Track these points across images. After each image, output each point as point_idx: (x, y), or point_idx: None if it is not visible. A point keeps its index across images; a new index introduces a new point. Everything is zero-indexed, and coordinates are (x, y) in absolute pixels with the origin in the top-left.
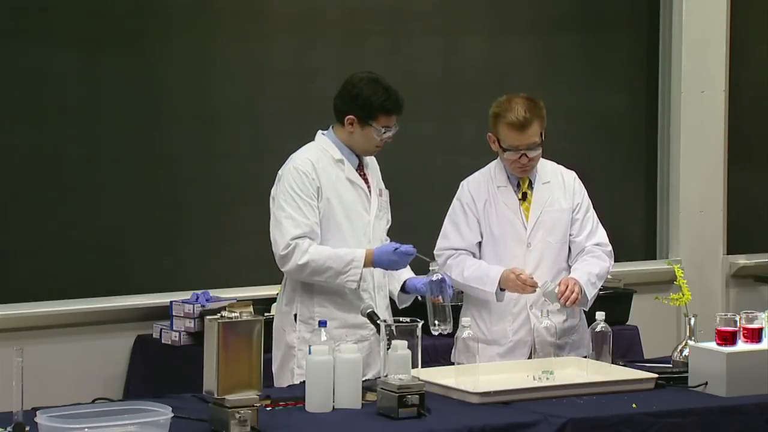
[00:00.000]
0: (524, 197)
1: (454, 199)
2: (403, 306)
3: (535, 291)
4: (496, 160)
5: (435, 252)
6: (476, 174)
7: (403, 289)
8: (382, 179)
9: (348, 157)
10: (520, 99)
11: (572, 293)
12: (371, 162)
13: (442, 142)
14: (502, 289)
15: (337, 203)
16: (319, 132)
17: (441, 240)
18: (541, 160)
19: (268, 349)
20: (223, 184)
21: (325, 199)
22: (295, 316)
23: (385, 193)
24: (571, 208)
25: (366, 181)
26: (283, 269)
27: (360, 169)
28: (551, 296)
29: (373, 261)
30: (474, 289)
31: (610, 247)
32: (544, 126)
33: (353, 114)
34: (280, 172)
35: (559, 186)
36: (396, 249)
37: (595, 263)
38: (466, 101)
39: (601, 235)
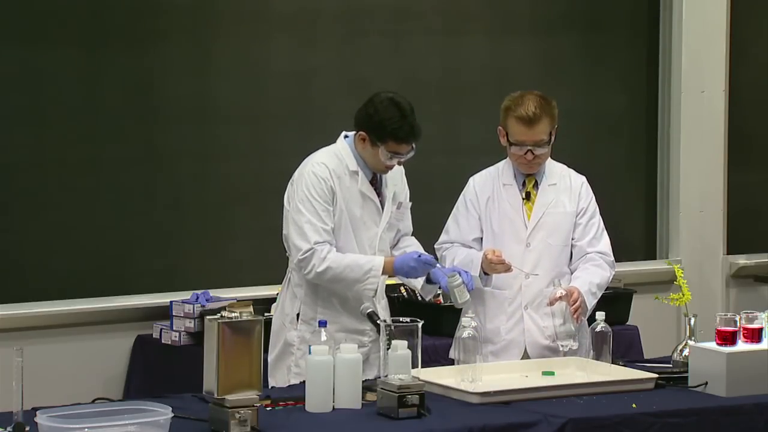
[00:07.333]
0: (528, 197)
1: (461, 195)
2: (429, 297)
3: (507, 270)
4: (505, 159)
5: (435, 246)
6: (484, 171)
7: (428, 280)
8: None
9: (363, 169)
10: (533, 95)
11: (575, 303)
12: (395, 172)
13: (442, 143)
14: (486, 274)
15: (346, 214)
16: (343, 133)
17: (442, 235)
18: (552, 161)
19: (267, 348)
20: (223, 184)
21: (338, 208)
22: (298, 315)
23: (406, 204)
24: (575, 212)
25: (379, 193)
26: (302, 273)
27: (374, 181)
28: (461, 293)
29: (393, 269)
30: None
31: (612, 258)
32: (554, 125)
33: (365, 131)
34: (296, 173)
35: (566, 189)
36: (419, 256)
37: (596, 272)
38: (466, 101)
39: (605, 244)
